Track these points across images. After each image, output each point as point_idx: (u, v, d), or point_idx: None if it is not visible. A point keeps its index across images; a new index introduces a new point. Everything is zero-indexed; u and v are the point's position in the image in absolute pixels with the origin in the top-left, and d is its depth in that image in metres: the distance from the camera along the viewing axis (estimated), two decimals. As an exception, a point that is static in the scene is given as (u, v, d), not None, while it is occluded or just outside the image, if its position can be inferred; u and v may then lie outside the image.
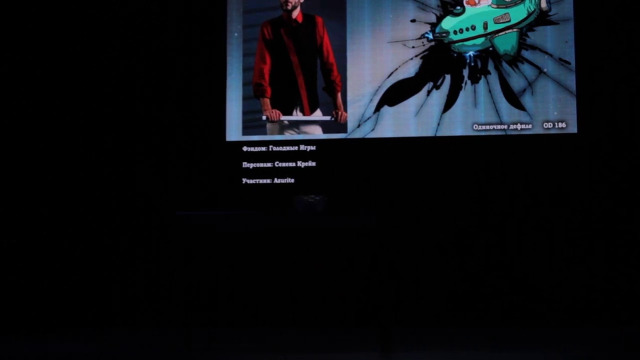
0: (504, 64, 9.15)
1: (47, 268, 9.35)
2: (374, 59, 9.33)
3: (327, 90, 9.39)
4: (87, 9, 9.64)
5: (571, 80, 9.04)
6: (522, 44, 9.14)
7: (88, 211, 9.39)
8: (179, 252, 8.71)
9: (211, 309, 5.78)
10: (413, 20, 9.34)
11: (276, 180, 9.33)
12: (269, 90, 9.45)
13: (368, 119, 9.29)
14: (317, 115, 9.39)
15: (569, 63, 9.07)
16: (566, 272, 8.90)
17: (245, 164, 9.39)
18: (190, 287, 5.68)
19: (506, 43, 9.18)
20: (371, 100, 9.30)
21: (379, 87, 9.30)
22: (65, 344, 6.95)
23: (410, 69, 9.29)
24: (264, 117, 9.43)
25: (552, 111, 9.05)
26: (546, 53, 9.11)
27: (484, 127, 9.12)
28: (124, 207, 9.38)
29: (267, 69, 9.48)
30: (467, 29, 9.26)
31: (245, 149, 9.40)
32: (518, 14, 9.19)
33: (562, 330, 8.18)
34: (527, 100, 9.08)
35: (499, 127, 9.10)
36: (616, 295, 8.80)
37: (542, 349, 6.65)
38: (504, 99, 9.11)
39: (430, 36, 9.32)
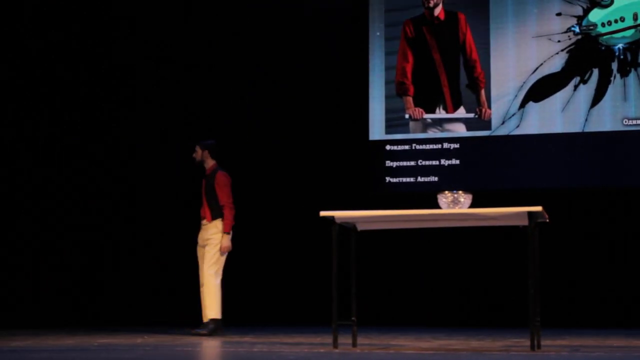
0: (656, 56, 8.82)
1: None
2: (518, 54, 9.17)
3: (471, 87, 9.29)
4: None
5: None
6: (675, 34, 8.79)
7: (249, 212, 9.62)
8: (324, 252, 8.79)
9: (356, 307, 5.84)
10: (559, 14, 9.13)
11: (419, 179, 9.31)
12: (411, 89, 9.43)
13: (513, 115, 9.14)
14: (461, 112, 9.30)
15: None
16: None
17: (388, 163, 9.40)
18: (335, 285, 5.75)
19: (658, 34, 8.85)
20: (516, 96, 9.14)
21: (524, 82, 9.13)
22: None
23: (556, 64, 9.08)
24: (406, 116, 9.43)
25: None
26: (701, 43, 8.73)
27: (635, 122, 8.82)
28: (269, 206, 9.56)
29: (409, 67, 9.47)
30: (616, 21, 8.98)
31: (388, 147, 9.42)
32: (670, 3, 8.84)
33: None
34: (680, 92, 8.73)
35: (650, 121, 8.79)
36: None
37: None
38: (655, 92, 8.79)
39: (577, 29, 9.08)
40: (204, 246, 7.41)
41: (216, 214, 7.42)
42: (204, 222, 7.47)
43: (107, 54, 10.01)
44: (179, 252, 9.78)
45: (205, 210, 7.47)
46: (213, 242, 7.37)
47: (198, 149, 7.61)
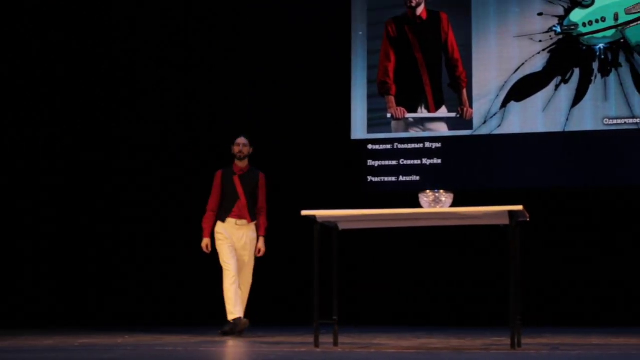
0: (636, 56, 8.87)
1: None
2: (500, 54, 9.20)
3: (452, 86, 9.31)
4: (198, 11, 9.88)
5: None
6: (655, 34, 8.84)
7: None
8: (306, 251, 8.79)
9: (337, 306, 5.84)
10: (540, 14, 9.16)
11: (401, 178, 9.32)
12: (393, 88, 9.44)
13: (494, 115, 9.17)
14: (442, 112, 9.32)
15: None
16: None
17: (370, 162, 9.41)
18: (317, 285, 5.75)
19: (638, 34, 8.89)
20: (497, 96, 9.17)
21: (505, 82, 9.16)
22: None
23: (537, 64, 9.11)
24: (388, 115, 9.44)
25: (687, 104, 8.73)
26: (681, 43, 8.78)
27: (615, 121, 8.86)
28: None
29: (391, 66, 9.48)
30: (597, 21, 9.02)
31: (370, 147, 9.43)
32: (651, 3, 8.89)
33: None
34: (660, 92, 8.78)
35: (631, 120, 8.83)
36: None
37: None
38: (636, 92, 8.83)
39: (558, 29, 9.12)
40: (242, 247, 7.20)
41: (254, 216, 7.28)
42: (242, 222, 7.21)
43: (106, 53, 9.98)
44: (168, 251, 9.76)
45: (246, 210, 7.22)
46: (254, 245, 7.25)
47: (248, 144, 7.32)
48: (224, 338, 6.89)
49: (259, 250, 7.28)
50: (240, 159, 7.32)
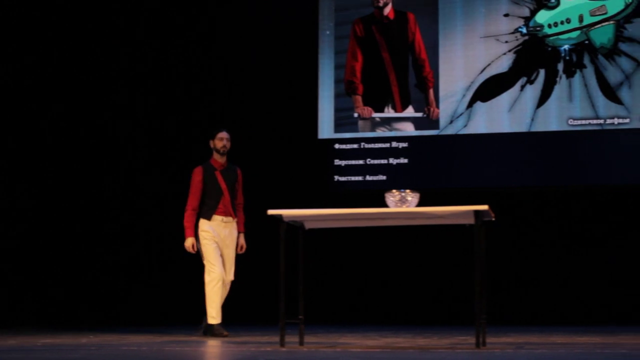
0: (600, 57, 8.95)
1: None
2: (467, 54, 9.24)
3: (419, 86, 9.34)
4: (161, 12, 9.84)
5: (671, 73, 8.80)
6: (619, 36, 8.92)
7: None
8: (272, 250, 8.78)
9: (303, 306, 5.83)
10: (506, 15, 9.22)
11: (368, 178, 9.33)
12: (360, 88, 9.46)
13: (460, 115, 9.21)
14: (409, 112, 9.35)
15: (669, 55, 8.82)
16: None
17: (337, 161, 9.42)
18: (283, 284, 5.73)
19: (602, 36, 8.97)
20: (464, 96, 9.22)
21: (472, 82, 9.20)
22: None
23: (503, 64, 9.17)
24: (355, 115, 9.45)
25: (650, 105, 8.82)
26: (644, 45, 8.87)
27: (579, 122, 8.94)
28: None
29: (358, 66, 9.50)
30: (562, 22, 9.09)
31: (337, 146, 9.43)
32: (615, 5, 8.96)
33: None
34: (624, 93, 8.86)
35: (595, 121, 8.91)
36: None
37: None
38: (600, 93, 8.91)
39: (524, 30, 9.18)
40: (227, 244, 7.05)
41: (235, 212, 7.13)
42: (228, 218, 7.07)
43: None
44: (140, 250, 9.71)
45: (230, 207, 7.07)
46: (235, 242, 7.10)
47: (230, 138, 7.14)
48: (193, 338, 6.85)
49: (242, 247, 7.14)
50: (224, 154, 7.14)
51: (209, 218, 7.03)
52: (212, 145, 7.18)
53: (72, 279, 9.65)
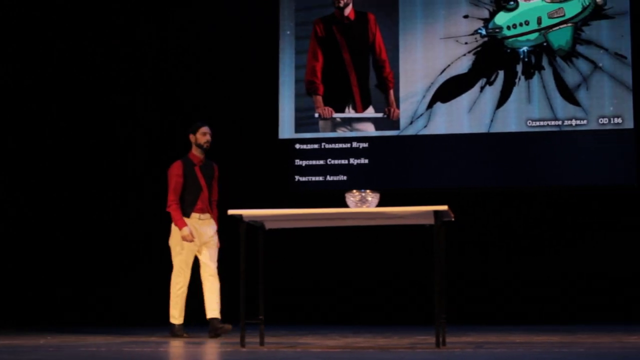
0: (558, 59, 9.04)
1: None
2: (427, 55, 9.29)
3: (380, 87, 9.37)
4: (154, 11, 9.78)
5: (627, 75, 8.91)
6: (577, 38, 9.03)
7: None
8: (232, 250, 8.76)
9: (263, 306, 5.82)
10: (466, 16, 9.28)
11: (328, 178, 9.34)
12: (321, 88, 9.46)
13: (421, 115, 9.25)
14: (370, 112, 9.38)
15: (625, 57, 8.93)
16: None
17: (297, 161, 9.41)
18: (243, 284, 5.72)
19: (560, 38, 9.07)
20: (424, 96, 9.26)
21: (432, 83, 9.25)
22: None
23: (463, 66, 9.23)
24: (316, 115, 9.45)
25: (607, 106, 8.92)
26: (601, 48, 8.98)
27: (538, 123, 9.03)
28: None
29: (319, 66, 9.50)
30: (521, 24, 9.18)
31: (297, 146, 9.43)
32: (573, 8, 9.07)
33: None
34: (582, 95, 8.96)
35: (553, 123, 9.00)
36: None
37: None
38: (558, 95, 9.01)
39: (484, 32, 9.25)
40: (205, 242, 6.88)
41: (211, 208, 7.00)
42: (205, 215, 6.93)
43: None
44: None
45: (207, 203, 6.94)
46: (214, 237, 6.96)
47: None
48: (164, 339, 6.81)
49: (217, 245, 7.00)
50: (206, 150, 6.98)
51: (188, 215, 6.90)
52: (193, 140, 7.00)
53: (30, 280, 9.55)
